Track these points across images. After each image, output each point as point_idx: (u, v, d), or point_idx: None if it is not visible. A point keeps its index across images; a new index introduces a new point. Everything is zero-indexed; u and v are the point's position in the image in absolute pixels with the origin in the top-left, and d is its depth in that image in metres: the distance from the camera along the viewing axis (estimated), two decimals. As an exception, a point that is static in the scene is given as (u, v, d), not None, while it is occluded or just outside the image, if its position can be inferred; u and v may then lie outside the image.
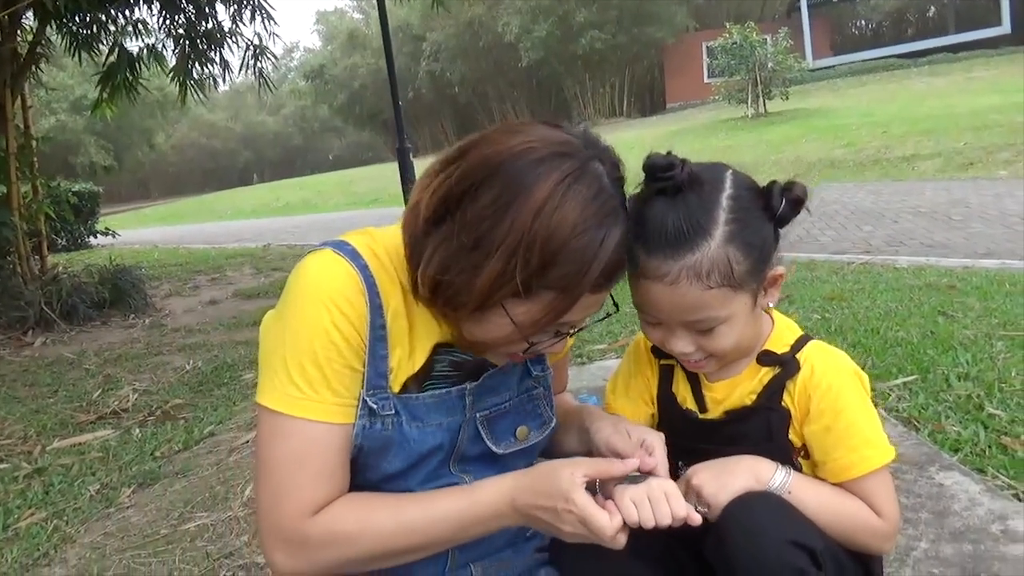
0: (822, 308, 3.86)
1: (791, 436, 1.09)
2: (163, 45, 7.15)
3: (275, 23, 7.42)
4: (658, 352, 1.19)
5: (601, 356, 3.36)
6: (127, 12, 6.83)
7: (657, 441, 1.04)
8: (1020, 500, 1.78)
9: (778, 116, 17.27)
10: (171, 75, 7.09)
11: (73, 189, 11.46)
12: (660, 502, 0.94)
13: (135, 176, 51.34)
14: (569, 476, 0.95)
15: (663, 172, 0.98)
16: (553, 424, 1.18)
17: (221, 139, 57.39)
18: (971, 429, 2.20)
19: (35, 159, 6.51)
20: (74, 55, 6.84)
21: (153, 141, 45.57)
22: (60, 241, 12.34)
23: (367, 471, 1.04)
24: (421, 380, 1.05)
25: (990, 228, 6.05)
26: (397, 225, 1.03)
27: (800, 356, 1.09)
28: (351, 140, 54.66)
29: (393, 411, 1.02)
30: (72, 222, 11.32)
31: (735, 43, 17.27)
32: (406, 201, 1.05)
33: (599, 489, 0.99)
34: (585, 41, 28.21)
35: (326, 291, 0.97)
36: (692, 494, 1.02)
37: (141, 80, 7.04)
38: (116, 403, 3.54)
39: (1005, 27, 24.10)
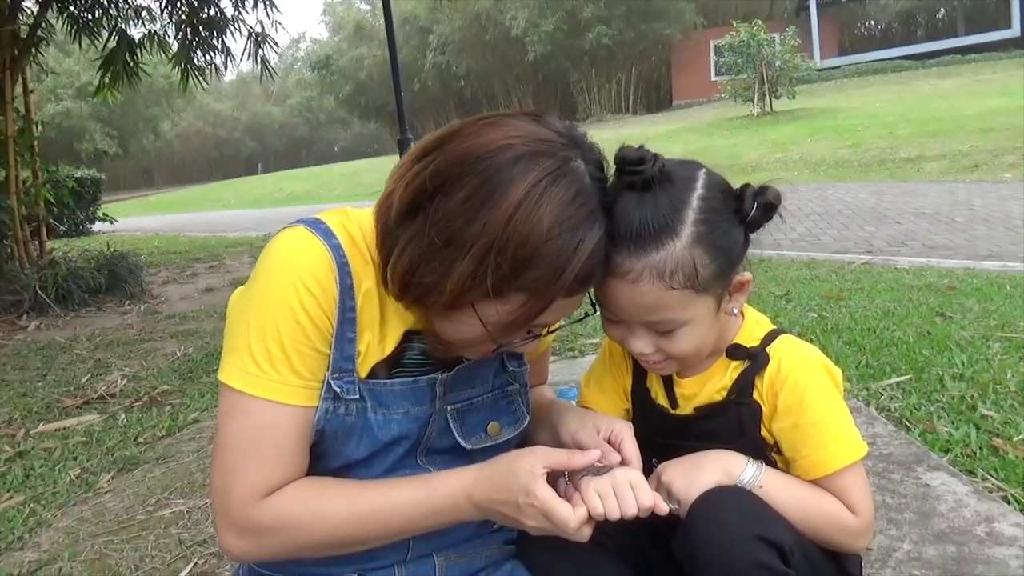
0: (820, 307, 3.83)
1: (763, 432, 1.06)
2: (165, 31, 7.16)
3: (278, 10, 7.39)
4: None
5: (594, 350, 3.33)
6: (128, -3, 6.83)
7: (626, 430, 1.01)
8: (1009, 503, 1.74)
9: (784, 115, 17.23)
10: (172, 62, 7.07)
11: (75, 175, 11.46)
12: (625, 493, 0.91)
13: (140, 164, 51.43)
14: (528, 469, 0.92)
15: (633, 166, 0.94)
16: (527, 421, 1.15)
17: (227, 129, 57.37)
18: (963, 430, 2.16)
19: (35, 143, 6.49)
20: (75, 39, 6.83)
21: (158, 129, 45.61)
22: (61, 227, 12.33)
23: (329, 457, 1.01)
24: (390, 366, 1.02)
25: (993, 230, 6.01)
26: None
27: (770, 350, 1.06)
28: (357, 131, 54.66)
29: (358, 396, 0.99)
30: (71, 207, 11.30)
31: (743, 41, 17.25)
32: None
33: (569, 480, 0.96)
34: (592, 36, 28.17)
35: (296, 269, 0.94)
36: (663, 490, 1.00)
37: (142, 66, 7.02)
38: (104, 388, 3.52)
39: (1015, 30, 24.00)
